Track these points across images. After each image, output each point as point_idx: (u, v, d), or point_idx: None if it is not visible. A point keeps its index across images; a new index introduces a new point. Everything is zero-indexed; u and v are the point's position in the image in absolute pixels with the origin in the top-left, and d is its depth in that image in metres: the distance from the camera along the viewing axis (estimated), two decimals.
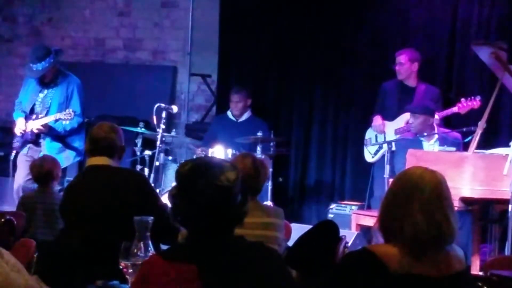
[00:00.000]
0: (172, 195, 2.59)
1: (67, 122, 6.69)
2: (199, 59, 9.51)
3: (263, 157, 7.12)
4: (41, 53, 6.80)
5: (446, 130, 6.88)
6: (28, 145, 6.96)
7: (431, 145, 6.76)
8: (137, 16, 9.85)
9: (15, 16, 10.36)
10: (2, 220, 4.42)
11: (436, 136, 6.77)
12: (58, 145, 6.92)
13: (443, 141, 6.67)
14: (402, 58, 7.31)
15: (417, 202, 2.67)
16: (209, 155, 7.33)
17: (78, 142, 6.97)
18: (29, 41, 10.18)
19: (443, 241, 2.70)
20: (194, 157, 7.48)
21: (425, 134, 6.76)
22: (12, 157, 7.09)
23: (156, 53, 9.82)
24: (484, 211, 6.45)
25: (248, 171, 4.14)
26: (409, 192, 2.69)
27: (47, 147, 6.89)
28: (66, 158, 6.96)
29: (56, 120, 6.80)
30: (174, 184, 2.63)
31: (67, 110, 6.70)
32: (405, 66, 7.30)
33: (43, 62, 6.76)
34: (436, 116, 6.92)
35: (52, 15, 10.16)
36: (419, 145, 6.75)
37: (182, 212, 2.57)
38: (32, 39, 10.18)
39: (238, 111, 8.18)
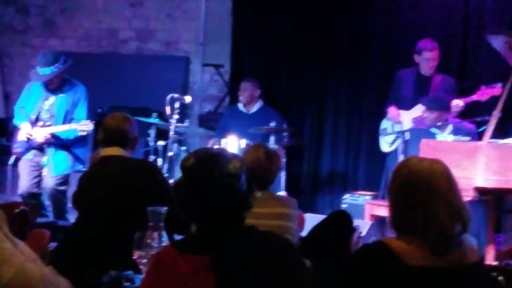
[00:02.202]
0: (179, 190, 2.57)
1: (85, 133, 6.66)
2: (212, 49, 9.50)
3: (276, 147, 7.12)
4: (50, 58, 6.74)
5: (459, 120, 6.85)
6: (33, 151, 6.94)
7: (444, 136, 6.74)
8: (150, 7, 9.85)
9: (28, 7, 10.37)
10: (16, 210, 4.43)
11: (450, 127, 6.74)
12: (63, 152, 6.90)
13: (456, 132, 6.64)
14: (435, 53, 7.21)
15: (437, 197, 2.65)
16: (222, 146, 7.33)
17: (81, 150, 6.95)
18: (42, 32, 10.21)
19: (466, 229, 2.69)
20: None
21: (438, 123, 6.73)
22: (11, 162, 7.07)
23: (168, 44, 9.82)
24: (498, 201, 6.42)
25: (261, 162, 4.14)
26: (426, 188, 2.66)
27: (52, 154, 6.88)
28: (71, 166, 6.95)
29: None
30: (176, 179, 2.60)
31: (83, 121, 6.66)
32: (436, 59, 7.22)
33: (52, 67, 6.70)
34: (461, 103, 6.86)
35: (65, 5, 10.16)
36: (432, 136, 6.72)
37: (192, 205, 2.55)
38: (45, 30, 10.20)
39: (244, 99, 8.13)
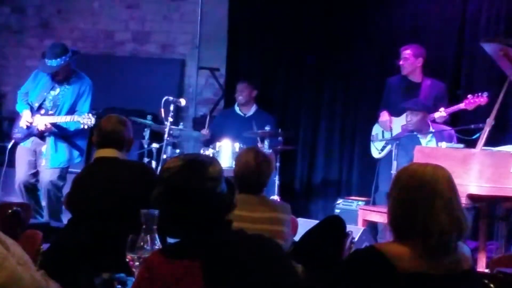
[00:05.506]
0: (161, 200, 2.59)
1: (86, 126, 6.65)
2: (207, 53, 9.50)
3: (270, 151, 7.13)
4: (58, 50, 6.80)
5: (441, 126, 6.92)
6: (32, 138, 6.94)
7: (429, 142, 6.81)
8: (146, 9, 9.85)
9: (24, 7, 10.35)
10: (9, 211, 4.43)
11: (432, 131, 6.83)
12: (63, 145, 6.90)
13: (439, 137, 6.71)
14: (406, 53, 7.33)
15: (439, 201, 2.64)
16: (217, 149, 7.35)
17: (81, 142, 6.97)
18: (38, 33, 10.19)
19: (462, 236, 2.70)
20: (202, 150, 7.50)
21: (432, 130, 6.79)
22: (9, 146, 7.08)
23: (164, 46, 9.82)
24: (491, 208, 6.43)
25: (249, 166, 4.16)
26: (429, 191, 2.66)
27: (52, 145, 6.87)
28: (68, 159, 6.94)
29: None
30: (156, 190, 2.62)
31: (86, 114, 6.67)
32: (409, 61, 7.30)
33: (58, 59, 6.75)
34: (444, 113, 6.92)
35: (61, 7, 10.15)
36: (417, 141, 6.78)
37: (176, 213, 2.56)
38: (41, 31, 10.19)
39: (243, 99, 8.19)
